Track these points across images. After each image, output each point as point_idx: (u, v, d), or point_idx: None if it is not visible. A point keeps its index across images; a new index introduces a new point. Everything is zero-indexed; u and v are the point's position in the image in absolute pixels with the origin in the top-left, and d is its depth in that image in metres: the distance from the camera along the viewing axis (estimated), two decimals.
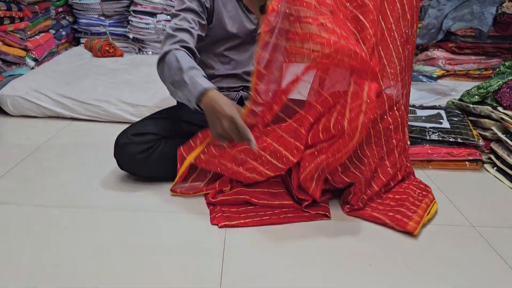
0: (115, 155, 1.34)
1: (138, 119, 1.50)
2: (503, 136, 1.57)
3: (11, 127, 1.86)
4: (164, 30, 2.90)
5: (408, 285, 1.00)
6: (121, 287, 0.94)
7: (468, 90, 1.82)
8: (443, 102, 2.08)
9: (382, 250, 1.11)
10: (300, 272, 1.01)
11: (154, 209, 1.24)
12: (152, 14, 2.94)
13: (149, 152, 1.31)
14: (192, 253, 1.06)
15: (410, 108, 1.80)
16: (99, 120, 1.95)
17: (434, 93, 2.34)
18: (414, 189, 1.36)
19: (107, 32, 3.00)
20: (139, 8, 2.93)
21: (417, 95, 2.25)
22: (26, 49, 2.35)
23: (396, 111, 1.27)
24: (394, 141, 1.30)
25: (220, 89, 1.47)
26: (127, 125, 1.40)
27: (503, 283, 1.02)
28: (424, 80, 2.59)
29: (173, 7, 2.49)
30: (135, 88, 2.08)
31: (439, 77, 2.65)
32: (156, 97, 1.98)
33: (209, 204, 1.27)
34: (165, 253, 1.05)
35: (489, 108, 1.67)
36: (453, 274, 1.04)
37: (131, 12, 2.96)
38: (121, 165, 1.35)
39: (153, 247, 1.07)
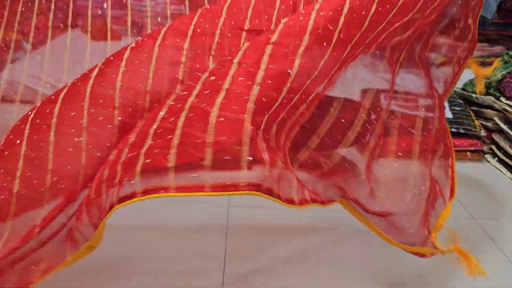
0: None
1: None
2: (505, 127, 1.56)
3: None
4: (162, 12, 2.85)
5: (407, 276, 1.00)
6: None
7: (471, 80, 1.79)
8: None
9: (380, 246, 1.10)
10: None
11: None
12: None
13: None
14: (194, 240, 1.06)
15: None
16: None
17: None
18: None
19: (105, 15, 2.94)
20: None
21: (420, 83, 2.22)
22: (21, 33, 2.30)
23: None
24: None
25: None
26: None
27: (503, 276, 1.02)
28: None
29: None
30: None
31: (441, 64, 2.62)
32: None
33: None
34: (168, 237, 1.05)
35: (492, 98, 1.65)
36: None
37: None
38: None
39: (157, 232, 1.07)
